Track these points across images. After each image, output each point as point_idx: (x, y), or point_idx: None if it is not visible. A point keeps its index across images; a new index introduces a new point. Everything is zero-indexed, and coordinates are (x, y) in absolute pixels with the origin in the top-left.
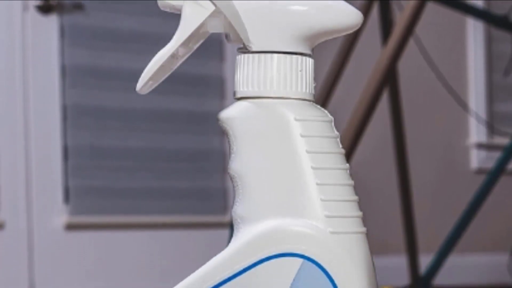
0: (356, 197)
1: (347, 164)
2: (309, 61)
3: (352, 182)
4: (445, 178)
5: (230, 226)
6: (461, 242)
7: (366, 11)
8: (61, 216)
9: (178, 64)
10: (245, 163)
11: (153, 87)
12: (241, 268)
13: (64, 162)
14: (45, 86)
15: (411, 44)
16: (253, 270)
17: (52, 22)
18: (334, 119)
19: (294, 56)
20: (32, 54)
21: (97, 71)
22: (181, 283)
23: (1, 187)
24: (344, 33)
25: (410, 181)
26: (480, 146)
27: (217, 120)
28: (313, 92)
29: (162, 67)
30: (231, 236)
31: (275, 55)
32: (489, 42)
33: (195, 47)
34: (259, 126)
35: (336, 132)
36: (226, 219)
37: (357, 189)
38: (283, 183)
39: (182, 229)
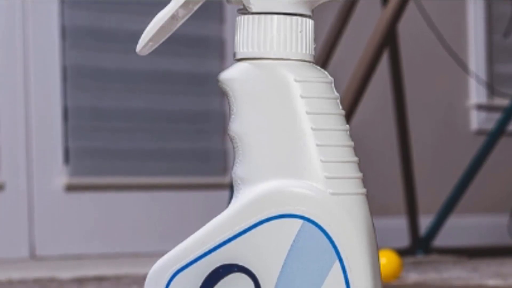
0: (356, 158)
1: (347, 125)
2: (309, 22)
3: (352, 143)
4: (445, 139)
5: (230, 188)
6: (461, 203)
7: None
8: (61, 177)
9: (178, 25)
10: (245, 124)
11: (153, 48)
12: (241, 230)
13: (64, 123)
14: (45, 47)
15: (411, 5)
16: (253, 231)
17: None
18: (334, 80)
19: (294, 17)
20: (32, 15)
21: (97, 32)
22: (181, 244)
23: (1, 148)
24: None
25: (410, 142)
26: (480, 107)
27: (217, 81)
28: (313, 53)
29: (162, 28)
30: (231, 197)
31: (275, 16)
32: (489, 3)
33: (195, 8)
34: (259, 87)
35: (336, 93)
36: (226, 180)
37: (357, 150)
38: (283, 144)
39: (182, 190)
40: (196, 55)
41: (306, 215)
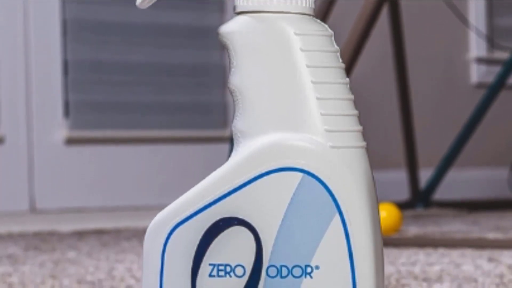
0: (356, 112)
1: (347, 79)
2: None
3: (352, 96)
4: (445, 92)
5: (230, 141)
6: (461, 157)
7: None
8: (61, 130)
9: None
10: (245, 77)
11: (153, 2)
12: (241, 183)
13: (64, 76)
14: (45, 1)
15: None
16: (253, 184)
17: None
18: (334, 33)
19: None
20: None
21: None
22: (181, 197)
23: (1, 101)
24: None
25: (410, 96)
26: (480, 60)
27: (217, 34)
28: (313, 6)
29: None
30: (231, 150)
31: None
32: None
33: None
34: (259, 41)
35: (336, 47)
36: (226, 133)
37: (357, 104)
38: (283, 97)
39: (182, 143)
40: (196, 8)
41: (306, 168)
